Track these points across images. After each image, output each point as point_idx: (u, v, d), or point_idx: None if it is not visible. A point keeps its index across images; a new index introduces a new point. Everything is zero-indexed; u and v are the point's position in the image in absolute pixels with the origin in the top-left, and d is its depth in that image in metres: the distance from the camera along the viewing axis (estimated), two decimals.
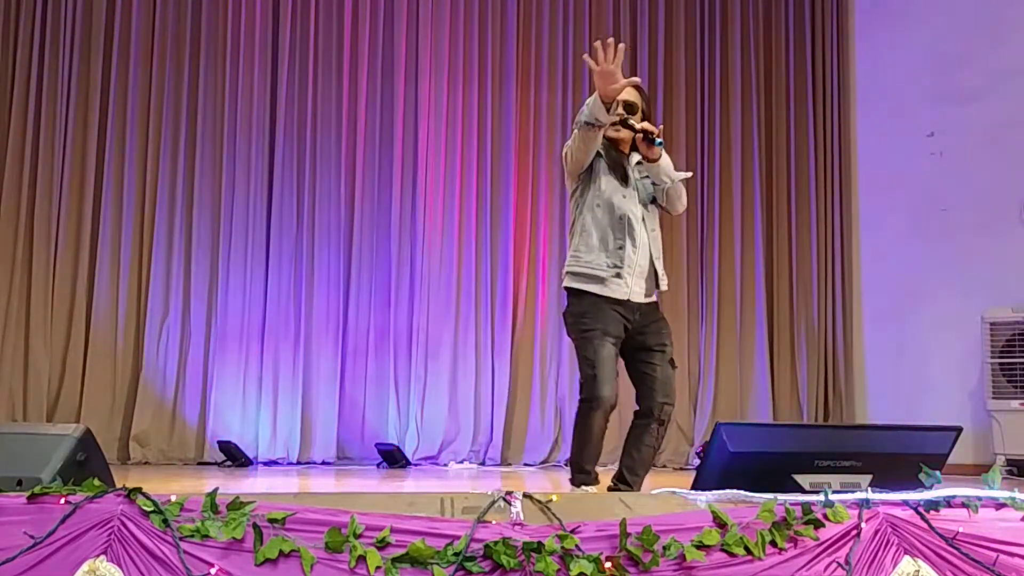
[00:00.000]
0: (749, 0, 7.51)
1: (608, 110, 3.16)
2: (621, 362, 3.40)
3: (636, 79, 3.26)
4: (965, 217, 6.68)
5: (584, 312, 3.32)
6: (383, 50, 7.07)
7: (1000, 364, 6.18)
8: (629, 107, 3.37)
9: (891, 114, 7.17)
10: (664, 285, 3.41)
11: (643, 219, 3.36)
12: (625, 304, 3.30)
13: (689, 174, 3.58)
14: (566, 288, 3.40)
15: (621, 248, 3.29)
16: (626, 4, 7.38)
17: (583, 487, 3.32)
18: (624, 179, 3.36)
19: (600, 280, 3.30)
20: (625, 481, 3.32)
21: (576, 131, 3.27)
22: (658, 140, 3.23)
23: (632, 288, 3.31)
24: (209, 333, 6.68)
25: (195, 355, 6.63)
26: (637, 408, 3.38)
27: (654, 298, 3.41)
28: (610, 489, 3.33)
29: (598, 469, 3.44)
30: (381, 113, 7.02)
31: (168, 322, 6.64)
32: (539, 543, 2.25)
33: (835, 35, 7.51)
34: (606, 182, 3.35)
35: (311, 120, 6.92)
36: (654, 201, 3.44)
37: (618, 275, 3.29)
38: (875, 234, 7.22)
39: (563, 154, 3.40)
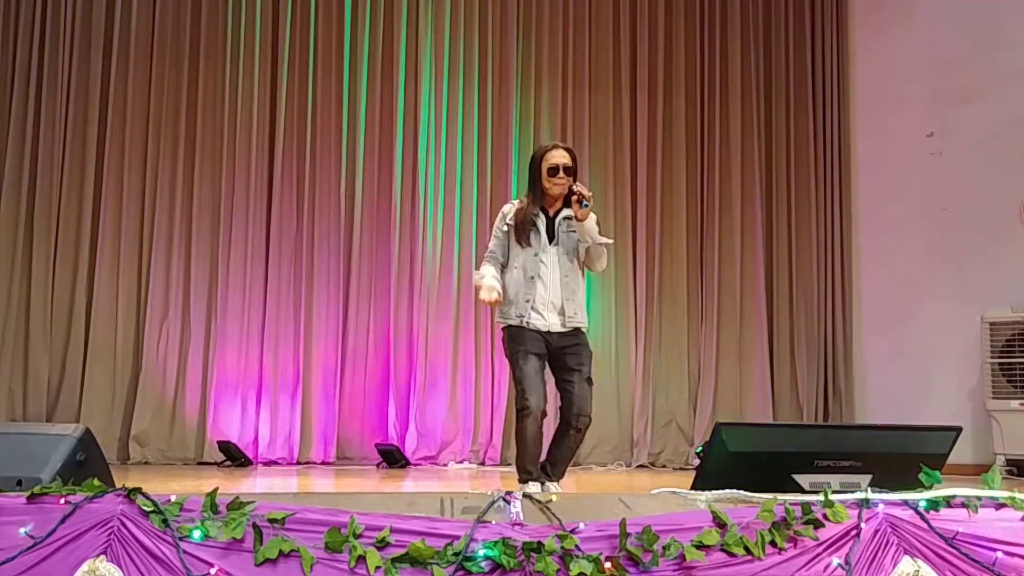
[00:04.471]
0: (749, 0, 7.52)
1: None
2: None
3: (571, 150, 4.03)
4: (965, 217, 6.68)
5: (511, 337, 3.95)
6: (383, 50, 7.07)
7: (1000, 364, 6.18)
8: (567, 169, 3.95)
9: (891, 114, 7.16)
10: (576, 323, 3.94)
11: (559, 265, 3.95)
12: (545, 333, 3.91)
13: (610, 241, 4.13)
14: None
15: (528, 301, 3.91)
16: (626, 4, 7.37)
17: (528, 483, 3.80)
18: (529, 239, 3.94)
19: (515, 324, 3.94)
20: (547, 472, 3.89)
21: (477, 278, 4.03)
22: (586, 203, 3.82)
23: (549, 321, 3.91)
24: (209, 333, 6.68)
25: (195, 355, 6.63)
26: (560, 417, 3.96)
27: (569, 327, 3.94)
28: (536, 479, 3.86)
29: (599, 470, 3.57)
30: (381, 113, 7.02)
31: (168, 322, 6.64)
32: (539, 543, 2.25)
33: (835, 35, 7.50)
34: (518, 251, 3.98)
35: (311, 120, 6.92)
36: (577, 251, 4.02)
37: (533, 311, 3.90)
38: (875, 234, 7.22)
39: (481, 265, 4.08)
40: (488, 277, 3.95)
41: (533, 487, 3.78)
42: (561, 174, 3.94)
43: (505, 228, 4.03)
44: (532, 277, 3.93)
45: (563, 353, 3.92)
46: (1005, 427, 6.09)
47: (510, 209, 4.06)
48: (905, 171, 7.03)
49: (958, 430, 3.01)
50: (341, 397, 6.73)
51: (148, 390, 6.52)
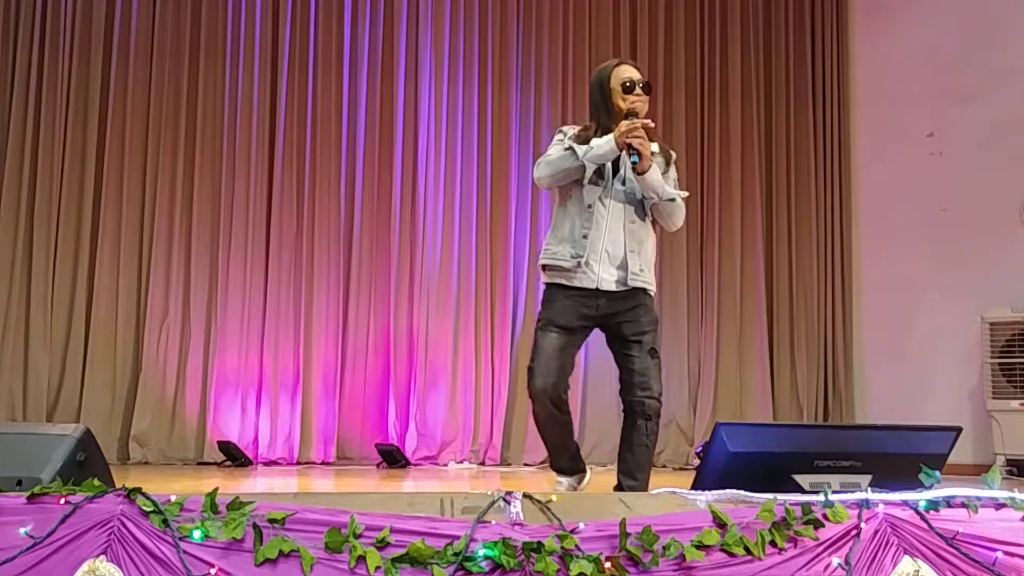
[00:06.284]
0: (749, 0, 7.51)
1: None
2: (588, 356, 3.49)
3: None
4: (965, 217, 6.68)
5: (546, 297, 3.30)
6: (383, 50, 7.07)
7: (1000, 364, 6.18)
8: (646, 87, 3.38)
9: (891, 114, 7.17)
10: (640, 282, 3.27)
11: (623, 208, 3.27)
12: (593, 292, 3.23)
13: (685, 193, 3.42)
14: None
15: (585, 237, 3.21)
16: (626, 4, 7.37)
17: (562, 479, 3.36)
18: (599, 174, 3.27)
19: (565, 270, 3.25)
20: (622, 487, 3.22)
21: (566, 161, 3.26)
22: (633, 158, 3.17)
23: (600, 276, 3.22)
24: (209, 333, 6.68)
25: (195, 355, 6.63)
26: (623, 405, 3.29)
27: (631, 286, 3.26)
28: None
29: (599, 470, 3.48)
30: (381, 113, 7.02)
31: (168, 322, 6.63)
32: (539, 543, 2.25)
33: (835, 35, 7.50)
34: (571, 185, 3.31)
35: (311, 120, 6.92)
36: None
37: (584, 263, 3.22)
38: (875, 234, 7.22)
39: (538, 166, 3.36)
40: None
41: (568, 482, 3.29)
42: (638, 90, 3.30)
43: (567, 147, 3.28)
44: (590, 205, 3.22)
45: (617, 320, 3.23)
46: (1005, 427, 6.08)
47: (571, 129, 3.41)
48: (905, 171, 7.03)
49: (958, 430, 3.01)
50: (341, 397, 6.73)
51: (148, 390, 6.52)
